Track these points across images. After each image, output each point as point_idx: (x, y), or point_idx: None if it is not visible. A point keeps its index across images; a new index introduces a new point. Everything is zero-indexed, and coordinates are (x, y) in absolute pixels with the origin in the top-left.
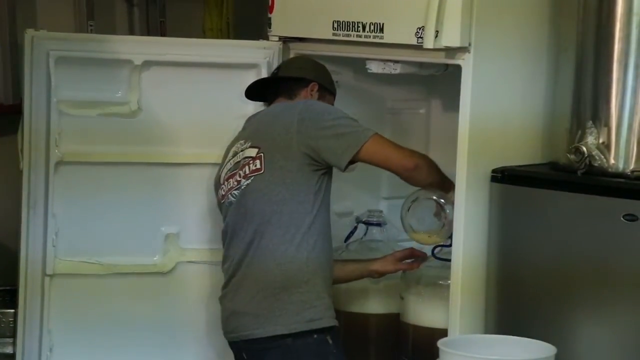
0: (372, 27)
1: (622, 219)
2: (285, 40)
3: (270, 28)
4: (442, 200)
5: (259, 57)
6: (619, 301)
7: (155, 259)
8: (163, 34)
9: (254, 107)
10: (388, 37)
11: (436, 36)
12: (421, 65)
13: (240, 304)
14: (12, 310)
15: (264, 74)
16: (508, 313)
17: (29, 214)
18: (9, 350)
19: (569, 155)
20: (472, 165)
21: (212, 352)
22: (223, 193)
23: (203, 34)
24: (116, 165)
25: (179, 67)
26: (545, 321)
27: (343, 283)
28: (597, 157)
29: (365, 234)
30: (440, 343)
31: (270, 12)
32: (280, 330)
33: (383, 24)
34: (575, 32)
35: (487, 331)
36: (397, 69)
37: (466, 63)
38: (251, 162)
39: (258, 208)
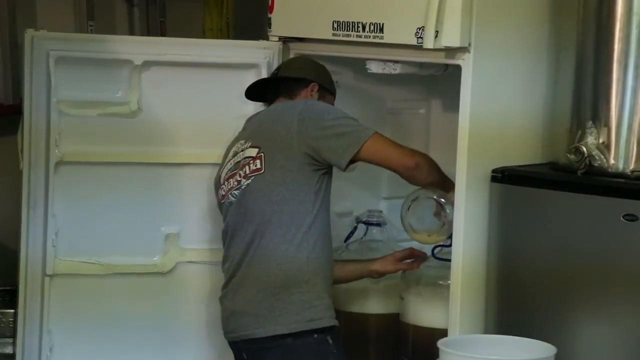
0: (372, 27)
1: (622, 219)
2: (285, 41)
3: (270, 28)
4: (443, 200)
5: (258, 57)
6: (619, 301)
7: (155, 259)
8: (163, 34)
9: (253, 107)
10: (388, 37)
11: (436, 36)
12: (421, 65)
13: (240, 303)
14: (12, 311)
15: (264, 74)
16: (508, 313)
17: (28, 214)
18: (8, 350)
19: (569, 155)
20: (472, 165)
21: (212, 352)
22: (223, 193)
23: (203, 34)
24: (116, 165)
25: (179, 67)
26: (545, 321)
27: (343, 283)
28: (597, 157)
29: (365, 234)
30: (440, 343)
31: (270, 12)
32: (281, 330)
33: (383, 24)
34: (575, 32)
35: (487, 331)
36: (397, 69)
37: (466, 63)
38: (251, 162)
39: (258, 208)
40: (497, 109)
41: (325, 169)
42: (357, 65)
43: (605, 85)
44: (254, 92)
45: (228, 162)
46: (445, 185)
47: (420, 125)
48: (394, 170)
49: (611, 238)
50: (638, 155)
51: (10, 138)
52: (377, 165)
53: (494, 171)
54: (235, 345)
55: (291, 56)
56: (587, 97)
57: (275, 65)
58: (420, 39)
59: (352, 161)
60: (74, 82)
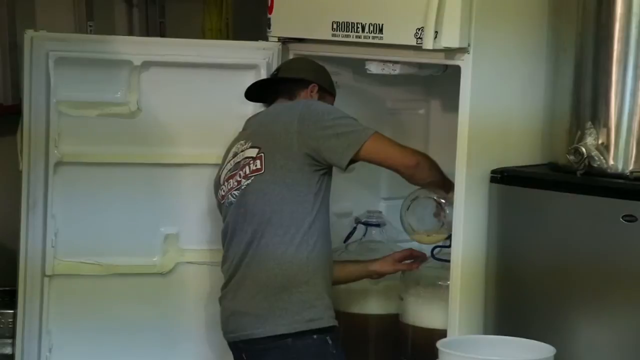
0: (371, 28)
1: (621, 219)
2: (285, 41)
3: (269, 29)
4: (442, 200)
5: (258, 57)
6: (618, 302)
7: (154, 259)
8: (162, 35)
9: (253, 107)
10: (387, 38)
11: (435, 37)
12: (420, 65)
13: (240, 304)
14: (12, 311)
15: (264, 74)
16: (507, 314)
17: (28, 215)
18: (8, 350)
19: (568, 156)
20: (472, 166)
21: (212, 353)
22: (223, 193)
23: (202, 35)
24: (116, 166)
25: (178, 67)
26: (544, 322)
27: (342, 284)
28: (597, 158)
29: (364, 235)
30: (440, 344)
31: (270, 13)
32: (281, 330)
33: (382, 24)
34: (575, 33)
35: (486, 332)
36: (396, 70)
37: (465, 64)
38: (251, 162)
39: (258, 208)
40: (497, 110)
41: (325, 169)
42: (357, 66)
43: (605, 86)
44: (254, 92)
45: (228, 162)
46: (445, 185)
47: (419, 125)
48: (395, 170)
49: (610, 239)
50: (637, 156)
51: (9, 138)
52: (378, 165)
53: (493, 172)
54: (235, 345)
55: (290, 57)
56: (587, 98)
57: (274, 66)
58: (419, 40)
59: (353, 161)
60: (74, 83)
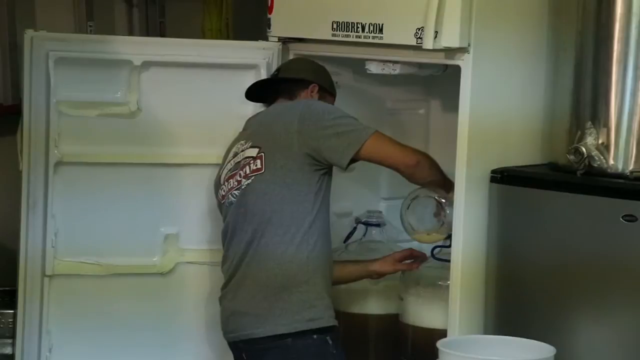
0: (371, 28)
1: (621, 219)
2: (285, 41)
3: (269, 29)
4: (443, 200)
5: (258, 57)
6: (618, 302)
7: (154, 259)
8: (162, 35)
9: (253, 107)
10: (387, 38)
11: (435, 37)
12: (420, 65)
13: (240, 304)
14: (12, 311)
15: (264, 74)
16: (507, 313)
17: (28, 215)
18: (8, 350)
19: (568, 155)
20: (472, 166)
21: (212, 353)
22: (223, 193)
23: (202, 35)
24: (115, 166)
25: (178, 67)
26: (544, 322)
27: (342, 284)
28: (597, 158)
29: (364, 235)
30: (440, 344)
31: (270, 13)
32: (281, 330)
33: (382, 24)
34: (575, 33)
35: (486, 332)
36: (396, 70)
37: (465, 63)
38: (252, 162)
39: (258, 208)
40: (497, 110)
41: (326, 169)
42: (357, 66)
43: (605, 86)
44: (254, 93)
45: (228, 162)
46: (445, 185)
47: (419, 125)
48: (395, 169)
49: (610, 238)
50: (637, 155)
51: (9, 138)
52: (378, 164)
53: (493, 172)
54: (235, 345)
55: (291, 57)
56: (587, 98)
57: (274, 66)
58: (419, 40)
59: (353, 160)
60: (74, 83)
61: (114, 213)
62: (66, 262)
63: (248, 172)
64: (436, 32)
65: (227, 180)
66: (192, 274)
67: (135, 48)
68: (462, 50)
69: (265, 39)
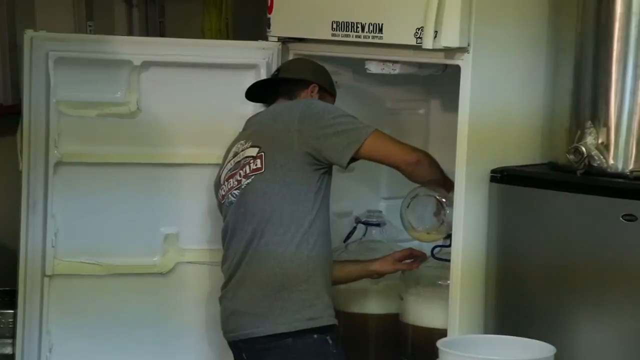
0: (371, 28)
1: (621, 219)
2: (285, 41)
3: (269, 28)
4: (443, 199)
5: (258, 57)
6: (618, 301)
7: (154, 259)
8: (162, 35)
9: (253, 107)
10: (387, 38)
11: (435, 36)
12: (420, 65)
13: (240, 303)
14: (12, 311)
15: (263, 74)
16: (507, 313)
17: (28, 215)
18: (8, 350)
19: (568, 155)
20: (472, 165)
21: (212, 352)
22: (223, 193)
23: (202, 35)
24: (115, 166)
25: (178, 67)
26: (544, 321)
27: (342, 283)
28: (596, 157)
29: (364, 234)
30: (440, 343)
31: (270, 13)
32: (281, 329)
33: (382, 24)
34: (575, 32)
35: (486, 331)
36: (396, 70)
37: (465, 63)
38: (252, 161)
39: (258, 207)
40: (496, 109)
41: (326, 168)
42: (357, 66)
43: (605, 85)
44: (254, 93)
45: (228, 162)
46: (445, 184)
47: (419, 125)
48: (395, 167)
49: (610, 238)
50: (637, 155)
51: (9, 138)
52: (378, 163)
53: (493, 171)
54: (235, 345)
55: (290, 56)
56: (586, 97)
57: (274, 66)
58: (419, 39)
59: (354, 159)
60: (73, 83)
61: (113, 213)
62: (66, 262)
63: (248, 171)
64: (436, 32)
65: (227, 180)
66: (192, 274)
67: (135, 48)
68: (462, 50)
69: (265, 39)
